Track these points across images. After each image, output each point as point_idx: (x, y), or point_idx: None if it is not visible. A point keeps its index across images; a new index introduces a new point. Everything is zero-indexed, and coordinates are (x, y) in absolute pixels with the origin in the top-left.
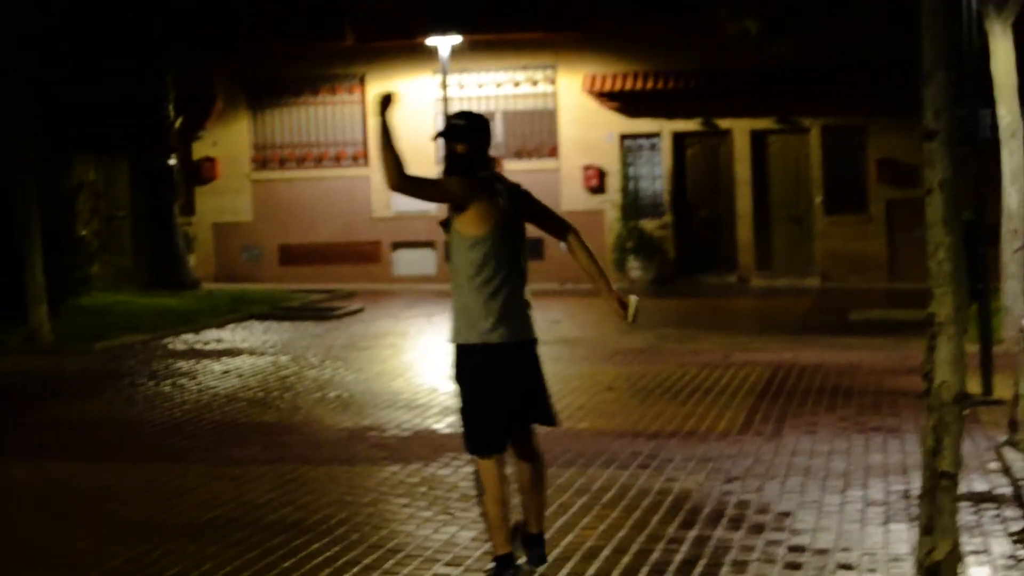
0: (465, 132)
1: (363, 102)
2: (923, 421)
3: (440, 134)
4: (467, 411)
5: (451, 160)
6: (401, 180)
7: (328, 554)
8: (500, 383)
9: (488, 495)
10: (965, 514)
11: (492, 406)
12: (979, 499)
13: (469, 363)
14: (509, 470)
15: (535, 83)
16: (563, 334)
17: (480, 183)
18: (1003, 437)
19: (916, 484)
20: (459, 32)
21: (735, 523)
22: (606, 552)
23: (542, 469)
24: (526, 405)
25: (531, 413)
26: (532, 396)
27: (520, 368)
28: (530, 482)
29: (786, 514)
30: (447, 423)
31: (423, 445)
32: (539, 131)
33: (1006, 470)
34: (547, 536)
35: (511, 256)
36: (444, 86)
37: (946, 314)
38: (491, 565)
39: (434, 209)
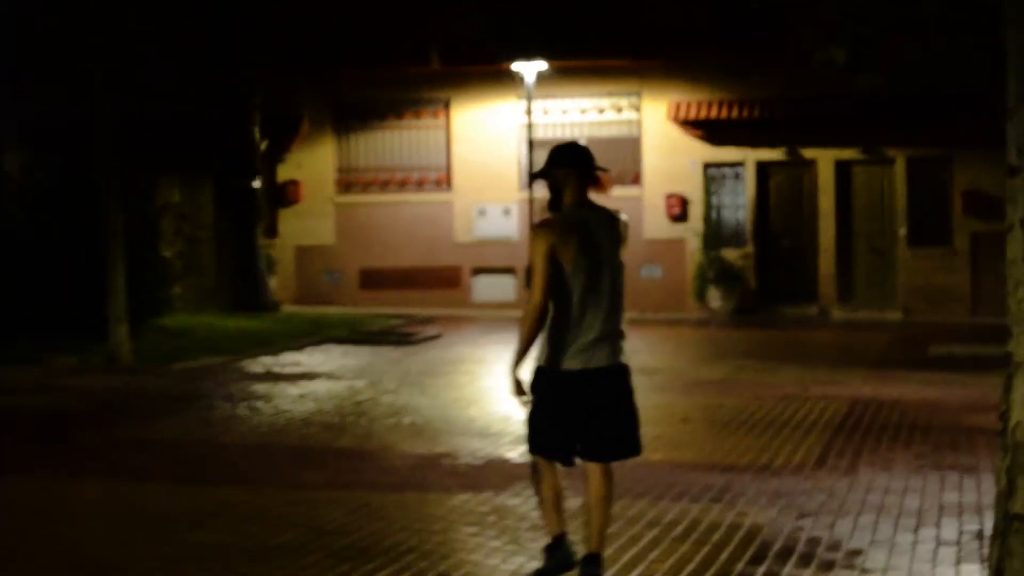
0: (552, 162)
1: (447, 127)
2: (997, 462)
3: (535, 174)
4: (533, 421)
5: (551, 193)
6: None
7: None
8: (567, 407)
9: (544, 482)
10: None
11: (557, 427)
12: None
13: (543, 381)
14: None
15: (619, 110)
16: (640, 363)
17: (567, 220)
18: None
19: (990, 525)
20: (544, 58)
21: (805, 560)
22: None
23: (609, 489)
24: (598, 432)
25: (604, 441)
26: (607, 424)
27: (592, 395)
28: (595, 499)
29: (857, 552)
30: (520, 452)
31: (495, 474)
32: (623, 158)
33: None
34: (615, 569)
35: (598, 287)
36: (529, 112)
37: (1022, 354)
38: (548, 542)
39: (516, 236)
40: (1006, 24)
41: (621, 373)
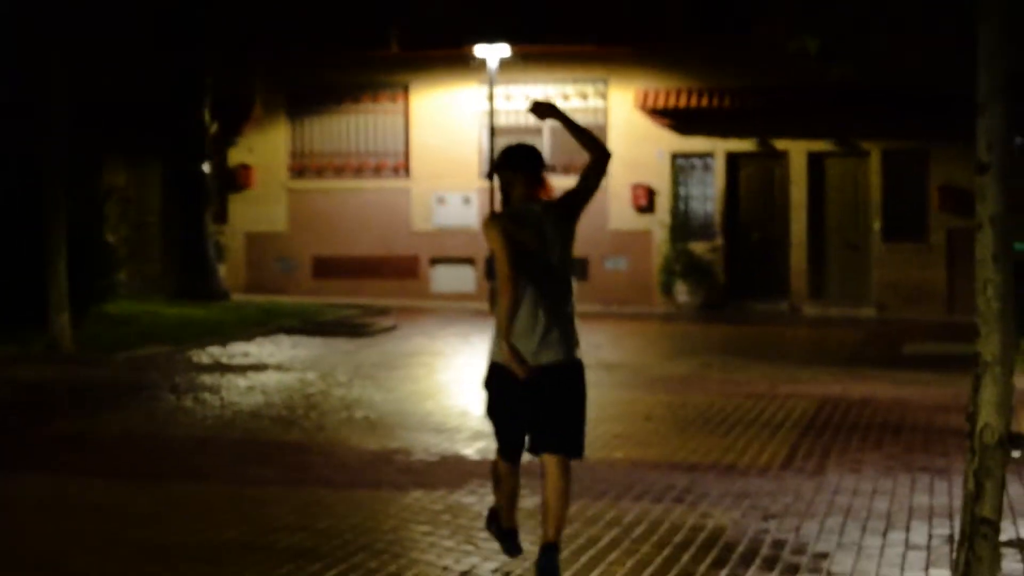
0: (498, 165)
1: (406, 112)
2: (965, 464)
3: (490, 169)
4: (489, 414)
5: (501, 192)
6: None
7: None
8: (515, 400)
9: (498, 487)
10: (1011, 562)
11: (504, 420)
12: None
13: (492, 374)
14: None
15: (585, 97)
16: (603, 359)
17: (515, 213)
18: None
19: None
20: (507, 42)
21: (769, 563)
22: None
23: (564, 481)
24: (546, 427)
25: (553, 437)
26: (554, 421)
27: (541, 391)
28: (550, 490)
29: (823, 555)
30: (476, 448)
31: (450, 471)
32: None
33: None
34: (572, 570)
35: (545, 280)
36: (491, 98)
37: (992, 354)
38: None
39: (476, 224)
40: (977, 20)
41: (573, 371)
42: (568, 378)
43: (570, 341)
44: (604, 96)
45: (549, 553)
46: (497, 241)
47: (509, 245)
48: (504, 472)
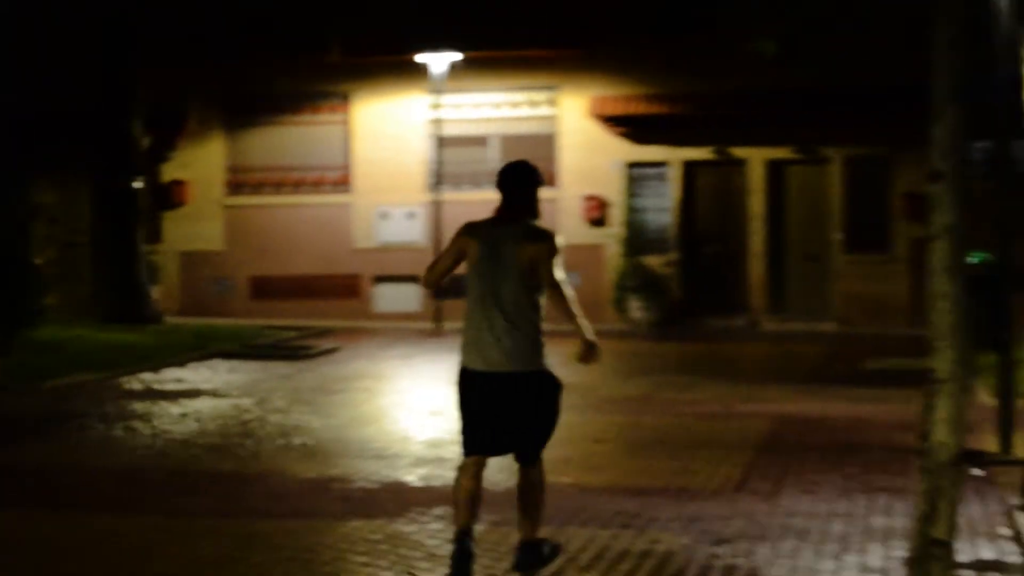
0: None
1: (347, 122)
2: (918, 484)
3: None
4: (460, 417)
5: None
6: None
7: None
8: (473, 407)
9: (460, 479)
10: None
11: (470, 423)
12: (984, 567)
13: (459, 381)
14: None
15: (535, 105)
16: None
17: (478, 226)
18: (1017, 500)
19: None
20: (454, 48)
21: None
22: None
23: (533, 490)
24: (510, 432)
25: (514, 441)
26: (517, 426)
27: (498, 397)
28: (520, 495)
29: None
30: (418, 475)
31: (390, 499)
32: (537, 157)
33: (1017, 536)
34: None
35: (494, 293)
36: (436, 107)
37: (945, 370)
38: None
39: (422, 240)
40: (932, 24)
41: (524, 381)
42: (512, 388)
43: (518, 352)
44: (554, 103)
45: (526, 550)
46: (449, 244)
47: (453, 252)
48: (464, 469)
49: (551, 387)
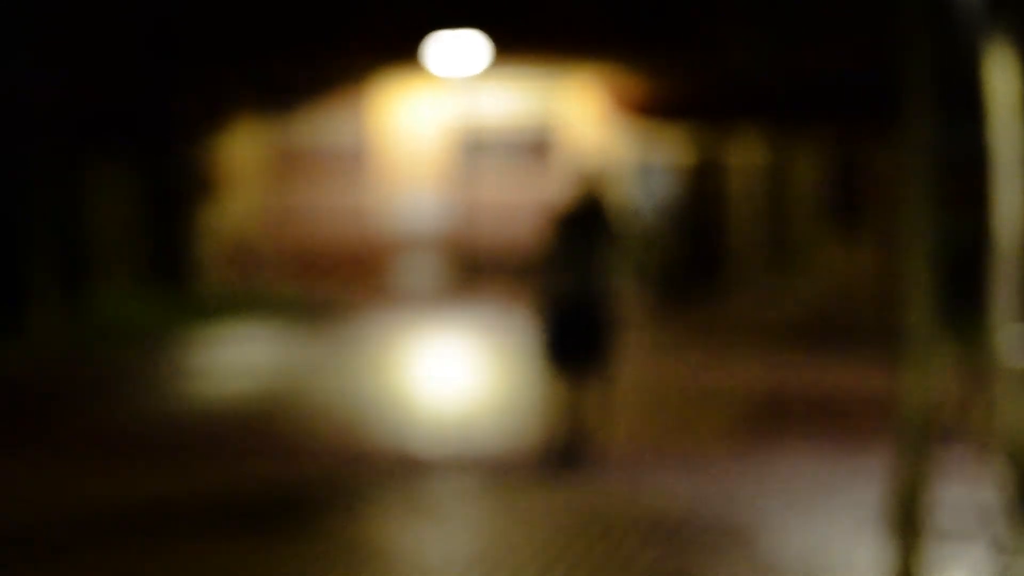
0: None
1: (366, 110)
2: (893, 456)
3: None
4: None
5: None
6: None
7: None
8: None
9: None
10: (938, 552)
11: (555, 341)
12: (951, 537)
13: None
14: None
15: (543, 94)
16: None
17: (563, 217)
18: (981, 474)
19: (885, 510)
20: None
21: (698, 544)
22: (560, 572)
23: (601, 399)
24: (585, 351)
25: (589, 359)
26: (590, 346)
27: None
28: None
29: (752, 536)
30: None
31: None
32: (543, 146)
33: (981, 509)
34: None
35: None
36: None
37: (916, 348)
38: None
39: (438, 227)
40: (898, 16)
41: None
42: (590, 314)
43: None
44: (563, 93)
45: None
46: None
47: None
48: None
49: None
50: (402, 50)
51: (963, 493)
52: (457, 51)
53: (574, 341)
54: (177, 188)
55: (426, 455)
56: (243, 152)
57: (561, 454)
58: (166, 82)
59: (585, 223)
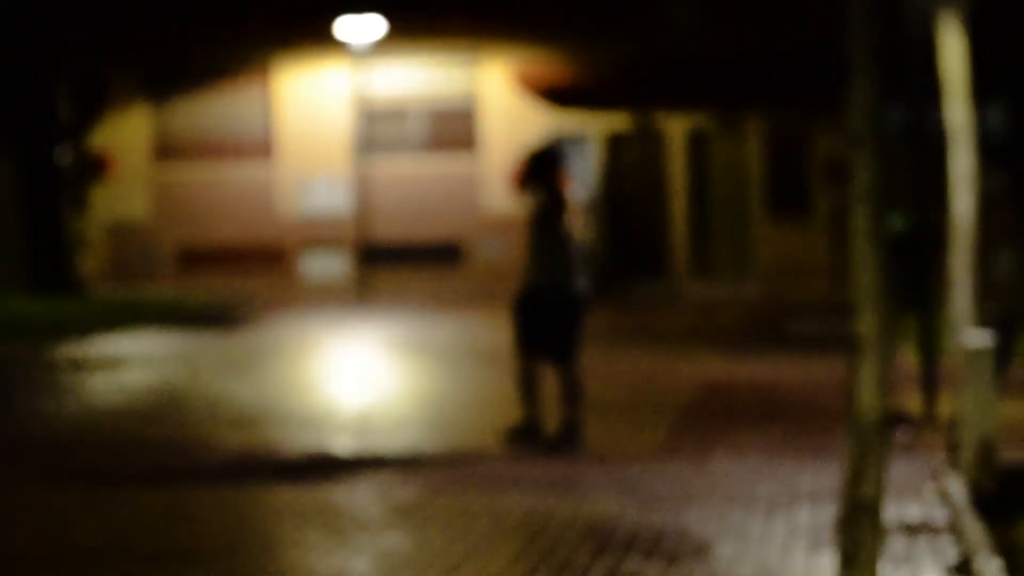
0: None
1: (269, 92)
2: (844, 445)
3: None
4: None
5: None
6: None
7: None
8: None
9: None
10: (896, 544)
11: (520, 328)
12: (912, 528)
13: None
14: None
15: (456, 74)
16: (479, 348)
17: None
18: (942, 460)
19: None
20: (373, 16)
21: (648, 552)
22: None
23: (567, 387)
24: (546, 339)
25: (549, 346)
26: (550, 334)
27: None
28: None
29: (705, 542)
30: (344, 444)
31: (318, 467)
32: (457, 128)
33: (943, 496)
34: (446, 564)
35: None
36: (358, 76)
37: (868, 334)
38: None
39: (344, 211)
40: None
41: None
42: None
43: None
44: (476, 73)
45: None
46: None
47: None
48: (519, 366)
49: None
50: (305, 30)
51: (921, 484)
52: (362, 28)
53: (537, 330)
54: (58, 176)
55: (349, 458)
56: (132, 140)
57: (525, 435)
58: (42, 67)
59: (544, 215)
